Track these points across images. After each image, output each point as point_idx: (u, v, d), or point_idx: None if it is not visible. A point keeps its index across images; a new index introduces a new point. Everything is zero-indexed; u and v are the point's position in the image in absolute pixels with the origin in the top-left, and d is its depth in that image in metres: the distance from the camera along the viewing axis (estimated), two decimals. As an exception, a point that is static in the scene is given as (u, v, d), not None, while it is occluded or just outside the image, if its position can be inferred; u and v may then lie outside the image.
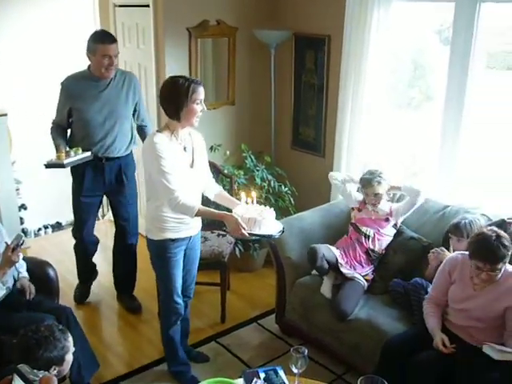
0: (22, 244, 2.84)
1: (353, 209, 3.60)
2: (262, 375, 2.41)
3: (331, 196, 4.17)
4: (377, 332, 2.96)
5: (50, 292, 3.20)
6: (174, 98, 2.66)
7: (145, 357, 3.45)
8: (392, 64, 3.94)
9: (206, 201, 3.06)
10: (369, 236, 3.41)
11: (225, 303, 3.80)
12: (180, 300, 3.08)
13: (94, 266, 4.07)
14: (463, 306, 2.69)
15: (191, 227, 2.94)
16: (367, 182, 3.45)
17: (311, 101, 4.53)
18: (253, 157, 4.40)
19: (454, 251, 3.08)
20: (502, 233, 2.57)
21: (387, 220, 3.45)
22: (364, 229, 3.44)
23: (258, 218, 2.68)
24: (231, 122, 4.71)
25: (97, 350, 3.33)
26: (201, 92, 2.71)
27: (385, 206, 3.49)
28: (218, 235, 3.90)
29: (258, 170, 4.32)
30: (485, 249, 2.53)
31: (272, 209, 2.81)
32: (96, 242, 3.97)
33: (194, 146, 2.87)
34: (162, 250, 2.90)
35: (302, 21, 4.41)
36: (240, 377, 2.46)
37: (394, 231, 3.48)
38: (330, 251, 3.32)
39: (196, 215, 2.75)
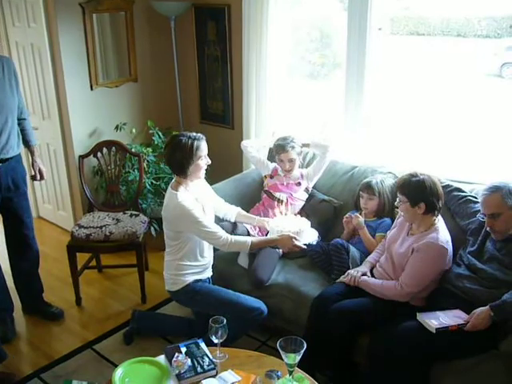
0: None
1: (265, 176, 3.63)
2: (184, 349, 2.40)
3: (243, 166, 4.18)
4: (296, 294, 3.03)
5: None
6: (180, 159, 2.80)
7: (65, 346, 3.33)
8: (297, 34, 3.96)
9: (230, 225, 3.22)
10: (282, 201, 3.45)
11: (144, 284, 3.75)
12: (257, 301, 2.95)
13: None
14: (393, 247, 2.84)
15: (209, 268, 3.11)
16: (281, 148, 3.46)
17: (216, 73, 4.48)
18: (160, 133, 4.32)
19: (363, 210, 3.20)
20: (421, 178, 2.69)
21: (299, 184, 3.51)
22: (277, 194, 3.48)
23: (304, 228, 2.90)
24: (135, 99, 4.59)
25: (11, 345, 3.23)
26: (204, 147, 2.86)
27: (296, 170, 3.54)
28: (131, 215, 3.81)
29: (166, 147, 4.24)
30: (401, 180, 2.75)
31: (304, 218, 3.03)
32: None
33: (200, 190, 3.03)
34: (194, 292, 2.96)
35: (200, -10, 4.32)
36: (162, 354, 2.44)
37: (306, 195, 3.55)
38: (242, 226, 3.32)
39: (251, 248, 2.87)
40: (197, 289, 2.97)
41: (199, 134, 2.86)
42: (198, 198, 2.96)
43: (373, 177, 3.28)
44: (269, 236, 3.01)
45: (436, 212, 2.71)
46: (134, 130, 4.47)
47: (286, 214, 3.04)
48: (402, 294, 2.68)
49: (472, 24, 3.96)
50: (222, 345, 2.38)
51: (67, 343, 3.37)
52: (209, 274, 3.10)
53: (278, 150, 3.49)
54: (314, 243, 2.96)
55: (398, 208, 2.83)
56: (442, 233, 2.69)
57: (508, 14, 3.71)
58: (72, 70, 4.12)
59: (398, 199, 2.77)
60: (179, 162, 2.81)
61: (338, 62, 4.33)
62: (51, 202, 4.87)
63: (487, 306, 2.42)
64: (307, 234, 2.93)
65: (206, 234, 2.84)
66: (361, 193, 3.22)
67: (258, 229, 3.36)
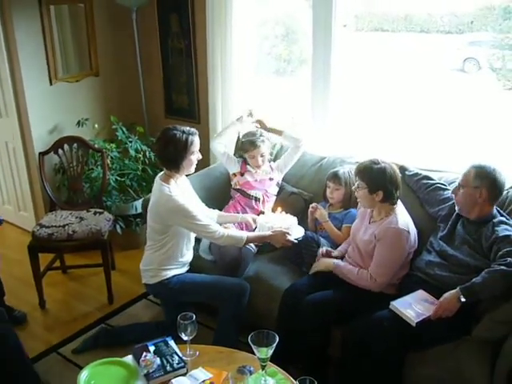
0: None
1: (234, 175, 3.51)
2: (152, 348, 2.32)
3: (210, 161, 4.10)
4: (267, 287, 2.99)
5: None
6: (173, 153, 2.77)
7: (29, 351, 3.16)
8: (263, 29, 3.92)
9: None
10: (259, 198, 3.38)
11: (110, 283, 3.64)
12: (235, 278, 2.97)
13: None
14: (357, 236, 2.82)
15: (188, 263, 3.07)
16: (251, 144, 3.36)
17: (181, 66, 4.39)
18: (124, 128, 4.21)
19: (330, 200, 3.17)
20: (382, 166, 2.67)
21: (271, 179, 3.44)
22: (253, 192, 3.39)
23: (293, 224, 2.93)
24: (97, 94, 4.48)
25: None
26: (197, 143, 2.84)
27: (266, 165, 3.47)
28: (95, 213, 3.69)
29: (130, 142, 4.14)
30: (362, 166, 2.73)
31: (289, 214, 3.03)
32: None
33: (186, 185, 3.03)
34: (174, 283, 2.93)
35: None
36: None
37: (277, 189, 3.49)
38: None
39: (245, 243, 2.86)
40: (176, 281, 2.94)
41: (193, 129, 2.84)
42: (184, 192, 2.94)
43: (340, 167, 3.25)
44: (258, 232, 2.99)
45: (393, 201, 2.70)
46: (96, 126, 4.36)
47: (264, 213, 3.07)
48: (376, 285, 2.67)
49: (434, 20, 3.99)
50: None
51: (30, 348, 3.20)
52: (187, 268, 3.08)
53: (248, 147, 3.38)
54: (301, 238, 2.95)
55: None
56: (401, 216, 2.69)
57: (468, 11, 3.75)
58: (29, 64, 3.98)
59: (356, 184, 2.75)
60: (172, 156, 2.78)
61: (304, 58, 4.31)
62: (11, 203, 4.70)
63: (457, 289, 2.41)
64: (296, 230, 2.95)
65: (200, 228, 2.81)
66: (328, 182, 3.18)
67: (244, 225, 3.26)
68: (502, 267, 2.34)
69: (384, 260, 2.65)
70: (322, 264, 2.88)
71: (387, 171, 2.65)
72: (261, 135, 3.40)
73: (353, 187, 2.83)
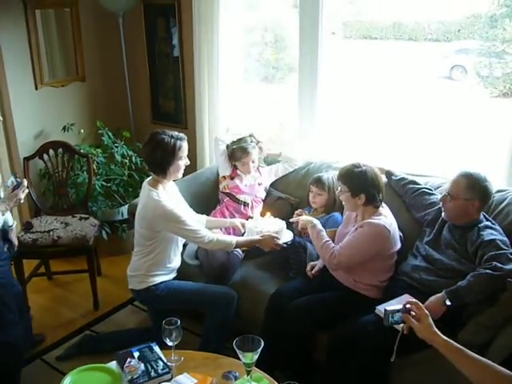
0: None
1: (224, 177, 3.50)
2: (136, 354, 2.29)
3: (197, 166, 4.09)
4: (253, 292, 2.98)
5: None
6: (160, 158, 2.74)
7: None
8: (252, 36, 3.92)
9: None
10: (248, 204, 3.38)
11: (96, 289, 3.61)
12: (222, 287, 2.95)
13: None
14: (341, 241, 2.79)
15: (175, 270, 3.04)
16: (243, 151, 3.35)
17: (167, 71, 4.38)
18: (110, 133, 4.18)
19: (312, 204, 3.16)
20: (364, 169, 2.67)
21: (260, 184, 3.44)
22: (242, 197, 3.38)
23: (282, 228, 2.94)
24: (83, 99, 4.45)
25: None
26: (186, 148, 2.80)
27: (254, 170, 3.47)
28: (80, 219, 3.66)
29: (116, 147, 4.11)
30: (344, 169, 2.72)
31: (278, 219, 3.03)
32: None
33: (174, 190, 3.02)
34: (161, 290, 2.90)
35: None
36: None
37: (265, 194, 3.48)
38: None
39: (234, 248, 2.88)
40: (163, 287, 2.92)
41: (181, 134, 2.81)
42: (172, 197, 2.92)
43: (325, 172, 3.25)
44: (246, 237, 2.98)
45: (377, 204, 2.70)
46: (82, 131, 4.33)
47: (252, 218, 3.08)
48: (332, 261, 2.66)
49: (422, 28, 4.03)
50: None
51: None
52: (175, 274, 3.05)
53: (241, 155, 3.36)
54: (290, 242, 2.95)
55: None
56: (386, 217, 2.70)
57: (456, 19, 3.79)
58: (15, 69, 3.95)
59: (339, 188, 2.76)
60: (160, 161, 2.75)
61: (293, 65, 4.32)
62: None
63: (442, 292, 2.42)
64: (285, 234, 2.96)
65: (189, 233, 2.79)
66: (311, 187, 3.17)
67: (231, 230, 3.25)
68: (488, 271, 2.35)
69: (354, 245, 2.65)
70: (303, 222, 2.88)
71: (368, 174, 2.65)
72: (251, 141, 3.39)
73: (336, 191, 2.82)
